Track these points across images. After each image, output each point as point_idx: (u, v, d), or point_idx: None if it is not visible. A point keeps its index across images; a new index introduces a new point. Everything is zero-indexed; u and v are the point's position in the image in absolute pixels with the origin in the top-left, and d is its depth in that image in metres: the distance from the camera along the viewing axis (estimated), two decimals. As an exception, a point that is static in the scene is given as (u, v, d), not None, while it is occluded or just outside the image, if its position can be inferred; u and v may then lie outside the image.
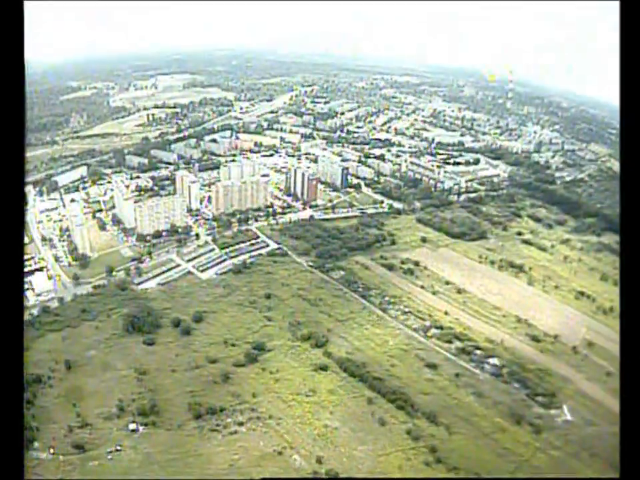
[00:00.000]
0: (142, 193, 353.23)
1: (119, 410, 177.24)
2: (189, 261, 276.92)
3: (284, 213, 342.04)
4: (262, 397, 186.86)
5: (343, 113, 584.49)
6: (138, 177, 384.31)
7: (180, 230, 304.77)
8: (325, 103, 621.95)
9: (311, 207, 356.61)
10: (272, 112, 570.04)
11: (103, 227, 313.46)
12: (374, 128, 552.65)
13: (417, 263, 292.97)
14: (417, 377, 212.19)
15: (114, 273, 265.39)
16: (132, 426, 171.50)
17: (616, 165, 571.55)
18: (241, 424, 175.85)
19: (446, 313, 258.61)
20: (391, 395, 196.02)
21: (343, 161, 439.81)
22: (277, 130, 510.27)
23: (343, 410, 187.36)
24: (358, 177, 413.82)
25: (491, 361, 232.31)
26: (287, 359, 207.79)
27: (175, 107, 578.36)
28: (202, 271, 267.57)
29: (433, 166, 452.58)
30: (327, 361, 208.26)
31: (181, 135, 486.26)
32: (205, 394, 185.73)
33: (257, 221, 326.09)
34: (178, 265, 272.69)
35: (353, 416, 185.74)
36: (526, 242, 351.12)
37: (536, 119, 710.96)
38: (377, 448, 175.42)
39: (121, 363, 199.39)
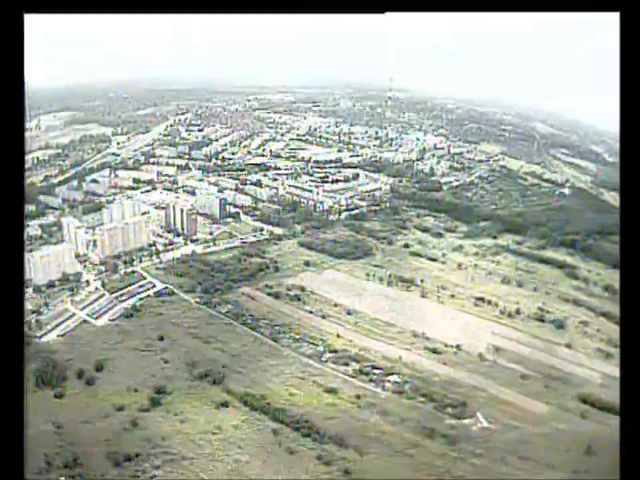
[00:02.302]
0: (32, 241, 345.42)
1: (47, 465, 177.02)
2: (82, 309, 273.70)
3: (167, 250, 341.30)
4: (172, 440, 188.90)
5: (217, 140, 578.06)
6: (28, 226, 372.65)
7: (71, 278, 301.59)
8: (199, 130, 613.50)
9: (192, 241, 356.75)
10: (148, 145, 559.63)
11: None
12: (249, 152, 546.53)
13: (302, 288, 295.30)
14: (318, 402, 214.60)
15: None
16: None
17: (510, 162, 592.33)
18: (157, 467, 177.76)
19: (338, 336, 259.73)
20: (295, 424, 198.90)
21: (220, 190, 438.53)
22: (153, 164, 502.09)
23: (250, 444, 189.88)
24: (236, 206, 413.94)
25: (391, 378, 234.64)
26: (188, 399, 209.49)
27: (57, 148, 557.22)
28: (96, 318, 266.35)
29: (310, 186, 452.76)
30: (227, 397, 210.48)
31: (64, 177, 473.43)
32: (119, 442, 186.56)
33: (141, 261, 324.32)
34: (73, 314, 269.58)
35: (261, 448, 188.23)
36: (414, 254, 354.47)
37: (418, 124, 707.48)
38: (290, 476, 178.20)
39: (39, 418, 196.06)
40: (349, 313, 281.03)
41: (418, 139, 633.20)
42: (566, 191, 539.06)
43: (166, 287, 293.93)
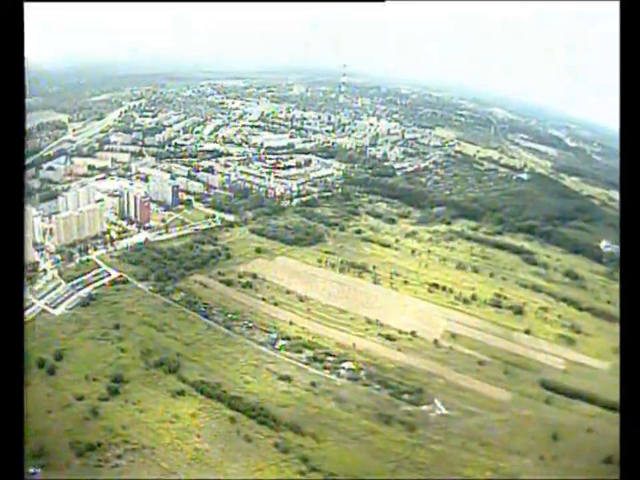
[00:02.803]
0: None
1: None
2: (40, 298, 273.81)
3: (120, 238, 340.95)
4: (131, 429, 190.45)
5: (170, 126, 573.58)
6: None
7: (29, 267, 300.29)
8: (153, 116, 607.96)
9: (145, 229, 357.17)
10: (102, 131, 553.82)
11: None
12: (202, 138, 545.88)
13: (254, 275, 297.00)
14: (273, 390, 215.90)
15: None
16: (31, 470, 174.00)
17: (466, 148, 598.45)
18: (119, 457, 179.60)
19: (291, 323, 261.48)
20: (251, 412, 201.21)
21: (172, 177, 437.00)
22: (107, 150, 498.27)
23: (208, 432, 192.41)
24: (189, 193, 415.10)
25: (345, 365, 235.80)
26: (145, 388, 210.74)
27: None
28: (54, 307, 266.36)
29: (262, 172, 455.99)
30: (182, 385, 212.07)
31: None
32: (81, 431, 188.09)
33: (96, 249, 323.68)
34: (33, 304, 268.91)
35: (219, 436, 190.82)
36: (367, 240, 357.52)
37: (372, 110, 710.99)
38: (250, 464, 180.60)
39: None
40: (301, 300, 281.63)
41: (371, 125, 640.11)
42: (524, 176, 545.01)
43: (120, 275, 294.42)
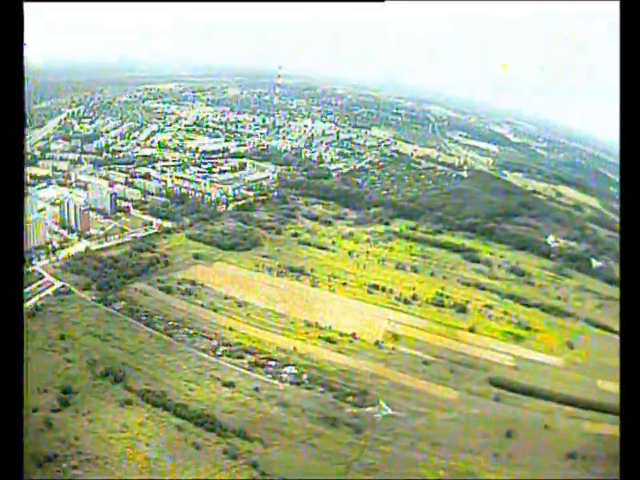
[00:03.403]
0: None
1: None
2: None
3: (62, 248, 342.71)
4: (84, 439, 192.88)
5: (107, 132, 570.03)
6: None
7: None
8: (90, 123, 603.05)
9: (85, 237, 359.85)
10: (43, 139, 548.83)
11: None
12: (138, 144, 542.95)
13: (193, 282, 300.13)
14: (217, 397, 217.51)
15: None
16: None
17: (403, 147, 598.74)
18: (75, 467, 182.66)
19: (231, 329, 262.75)
20: (197, 419, 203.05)
21: (111, 184, 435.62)
22: (48, 159, 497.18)
23: (157, 441, 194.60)
24: (126, 200, 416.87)
25: (287, 369, 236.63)
26: (93, 399, 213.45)
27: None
28: None
29: (198, 177, 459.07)
30: (129, 395, 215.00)
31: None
32: (38, 442, 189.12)
33: (39, 259, 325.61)
34: None
35: (168, 445, 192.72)
36: (304, 243, 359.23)
37: (307, 111, 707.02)
38: (200, 471, 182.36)
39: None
40: (239, 305, 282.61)
41: (306, 126, 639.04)
42: (464, 173, 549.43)
43: (63, 285, 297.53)
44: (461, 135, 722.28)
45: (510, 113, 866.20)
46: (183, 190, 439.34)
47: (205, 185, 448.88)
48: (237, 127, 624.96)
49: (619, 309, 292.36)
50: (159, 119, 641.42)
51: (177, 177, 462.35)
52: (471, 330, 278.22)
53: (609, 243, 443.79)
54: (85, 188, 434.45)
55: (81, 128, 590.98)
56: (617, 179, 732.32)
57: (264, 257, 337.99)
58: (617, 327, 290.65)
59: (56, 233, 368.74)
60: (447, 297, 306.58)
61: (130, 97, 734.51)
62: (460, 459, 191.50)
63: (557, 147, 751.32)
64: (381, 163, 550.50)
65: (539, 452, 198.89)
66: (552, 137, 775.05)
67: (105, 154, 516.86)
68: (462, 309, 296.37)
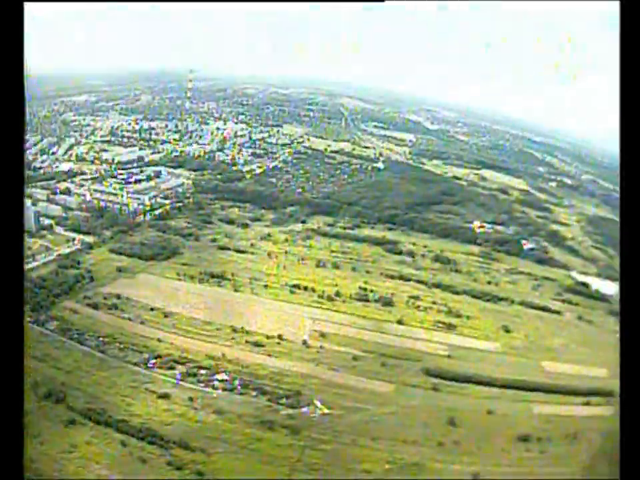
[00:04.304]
0: None
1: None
2: None
3: None
4: (38, 462, 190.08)
5: (29, 149, 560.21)
6: None
7: None
8: None
9: None
10: None
11: None
12: (57, 159, 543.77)
13: (118, 296, 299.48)
14: (155, 409, 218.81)
15: None
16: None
17: (316, 142, 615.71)
18: None
19: (159, 340, 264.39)
20: (139, 433, 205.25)
21: (34, 203, 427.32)
22: None
23: (105, 458, 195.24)
24: (49, 217, 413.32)
25: (219, 376, 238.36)
26: (40, 420, 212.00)
27: None
28: None
29: (115, 189, 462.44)
30: (72, 414, 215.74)
31: None
32: None
33: None
34: None
35: (116, 461, 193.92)
36: (222, 247, 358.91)
37: (218, 113, 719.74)
38: None
39: None
40: (165, 316, 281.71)
41: (218, 129, 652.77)
42: (380, 165, 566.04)
43: None
44: (375, 126, 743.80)
45: (425, 101, 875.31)
46: (102, 203, 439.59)
47: (122, 196, 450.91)
48: (150, 134, 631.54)
49: (554, 289, 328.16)
50: (75, 131, 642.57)
51: (95, 190, 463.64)
52: (400, 322, 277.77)
53: (539, 224, 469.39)
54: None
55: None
56: (545, 159, 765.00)
57: (184, 264, 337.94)
58: (554, 307, 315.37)
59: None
60: (371, 291, 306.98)
61: (48, 111, 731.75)
62: (404, 451, 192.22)
63: (478, 131, 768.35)
64: (294, 161, 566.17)
65: (486, 438, 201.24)
66: (473, 122, 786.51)
67: (27, 171, 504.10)
68: (388, 302, 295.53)
